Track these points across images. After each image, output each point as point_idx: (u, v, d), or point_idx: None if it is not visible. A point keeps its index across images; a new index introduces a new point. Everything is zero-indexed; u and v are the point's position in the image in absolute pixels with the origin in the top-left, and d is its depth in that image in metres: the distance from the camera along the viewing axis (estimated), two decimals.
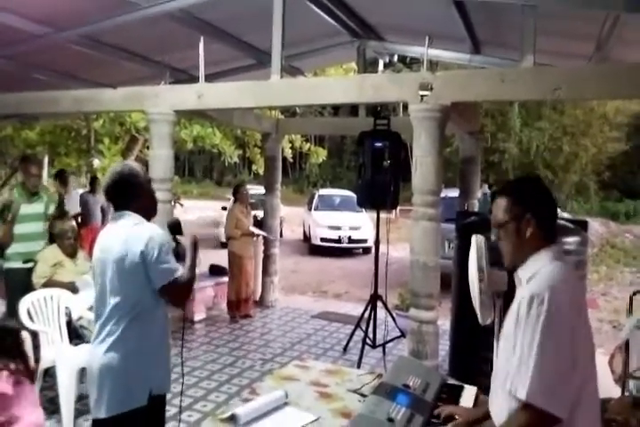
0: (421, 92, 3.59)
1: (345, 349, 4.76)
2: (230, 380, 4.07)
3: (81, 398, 3.37)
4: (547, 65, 4.36)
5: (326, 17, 4.88)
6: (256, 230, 6.11)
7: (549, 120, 18.69)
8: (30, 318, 3.36)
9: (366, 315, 4.56)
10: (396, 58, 6.18)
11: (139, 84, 5.74)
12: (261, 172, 14.66)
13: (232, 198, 6.33)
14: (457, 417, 1.76)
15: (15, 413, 2.42)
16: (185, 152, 22.16)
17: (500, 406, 1.50)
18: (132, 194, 2.07)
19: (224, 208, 12.08)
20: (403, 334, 4.44)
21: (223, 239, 10.57)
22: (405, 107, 4.14)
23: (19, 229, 4.16)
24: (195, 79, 5.32)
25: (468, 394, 2.04)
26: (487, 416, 1.71)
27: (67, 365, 3.19)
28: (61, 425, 3.14)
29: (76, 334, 3.63)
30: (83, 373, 3.49)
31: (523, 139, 18.66)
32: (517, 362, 1.39)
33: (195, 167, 34.55)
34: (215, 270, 6.30)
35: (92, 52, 5.24)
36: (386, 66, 6.43)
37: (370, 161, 4.28)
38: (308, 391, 2.15)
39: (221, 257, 6.40)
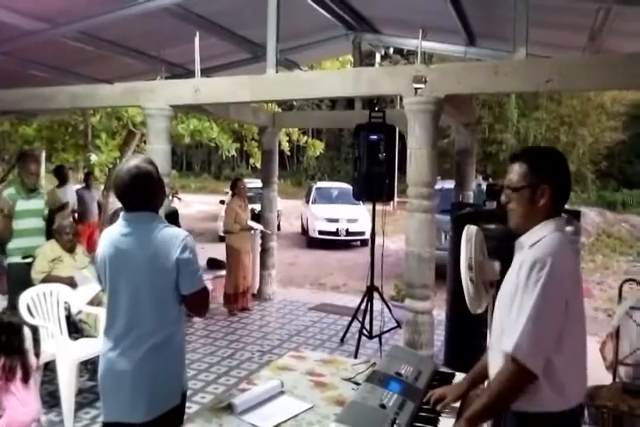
0: (415, 85, 3.61)
1: (342, 340, 4.82)
2: (229, 372, 4.13)
3: (81, 392, 3.43)
4: (541, 56, 4.38)
5: (320, 10, 4.88)
6: (254, 225, 6.15)
7: (546, 110, 18.69)
8: (30, 312, 3.40)
9: (363, 306, 4.61)
10: (392, 50, 6.18)
11: (135, 79, 5.73)
12: (259, 165, 14.68)
13: (230, 193, 6.36)
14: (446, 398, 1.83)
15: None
16: (182, 146, 22.11)
17: (498, 366, 1.56)
18: (149, 194, 1.99)
19: (222, 202, 12.12)
20: (399, 325, 4.50)
21: (221, 233, 10.63)
22: (402, 99, 4.16)
23: (18, 224, 4.19)
24: (190, 73, 5.33)
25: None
26: (471, 388, 1.82)
27: (67, 359, 3.24)
28: (62, 418, 3.20)
29: (75, 329, 3.69)
30: (86, 366, 3.55)
31: (520, 129, 18.67)
32: (512, 322, 1.48)
33: (192, 161, 34.52)
34: (213, 264, 6.34)
35: (88, 48, 5.24)
36: (383, 58, 6.43)
37: (365, 154, 4.32)
38: (304, 381, 2.20)
39: (220, 251, 6.44)
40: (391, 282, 5.63)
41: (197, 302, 2.05)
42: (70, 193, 7.11)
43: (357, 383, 2.10)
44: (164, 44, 5.53)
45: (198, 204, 17.98)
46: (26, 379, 2.56)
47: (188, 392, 3.62)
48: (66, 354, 3.25)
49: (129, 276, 1.93)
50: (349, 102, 17.69)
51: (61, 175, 7.20)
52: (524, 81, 3.48)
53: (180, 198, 10.75)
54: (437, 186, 4.46)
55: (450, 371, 2.25)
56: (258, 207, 6.82)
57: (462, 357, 3.91)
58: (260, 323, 5.51)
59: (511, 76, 3.48)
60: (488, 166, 17.25)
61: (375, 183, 4.27)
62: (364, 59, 6.12)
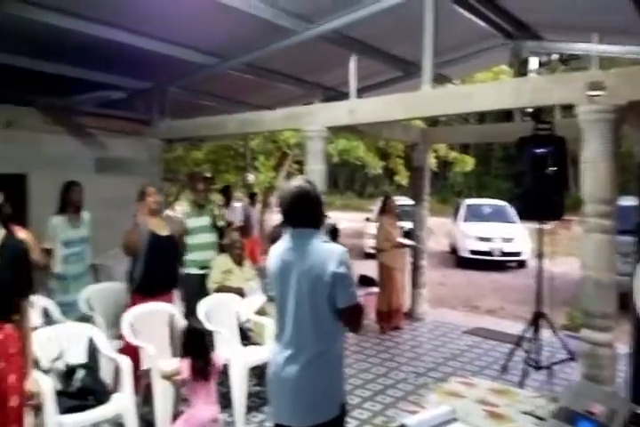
0: (591, 93, 3.29)
1: (504, 368, 4.48)
2: (384, 390, 4.08)
3: (249, 396, 3.62)
4: None
5: (477, 20, 4.74)
6: (405, 241, 6.09)
7: None
8: (207, 319, 3.71)
9: (528, 334, 4.25)
10: (555, 57, 5.74)
11: (292, 104, 6.12)
12: (404, 183, 14.62)
13: (375, 210, 6.37)
14: None
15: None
16: (329, 165, 22.91)
17: None
18: (308, 212, 2.12)
19: (367, 219, 12.24)
20: (572, 357, 4.06)
21: (367, 250, 10.71)
22: (565, 108, 3.82)
23: (192, 239, 4.62)
24: (343, 95, 5.51)
25: None
26: None
27: (240, 363, 3.47)
28: (233, 419, 3.42)
29: (243, 336, 3.95)
30: (253, 372, 3.77)
31: None
32: None
33: (338, 179, 35.57)
34: (364, 281, 6.38)
35: (251, 78, 5.74)
36: (540, 65, 5.99)
37: (530, 169, 4.02)
38: (477, 410, 2.07)
39: (367, 267, 6.46)
40: (558, 308, 5.13)
41: (352, 317, 2.09)
42: (236, 212, 7.67)
43: (540, 418, 1.92)
44: (319, 68, 5.82)
45: (343, 221, 18.38)
46: (208, 379, 2.79)
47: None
48: (239, 359, 3.49)
49: (294, 286, 2.06)
50: (499, 115, 16.83)
51: (227, 195, 7.74)
52: None
53: (328, 216, 11.11)
54: None
55: None
56: (405, 225, 6.72)
57: None
58: (412, 343, 5.38)
59: None
60: None
61: (542, 200, 3.95)
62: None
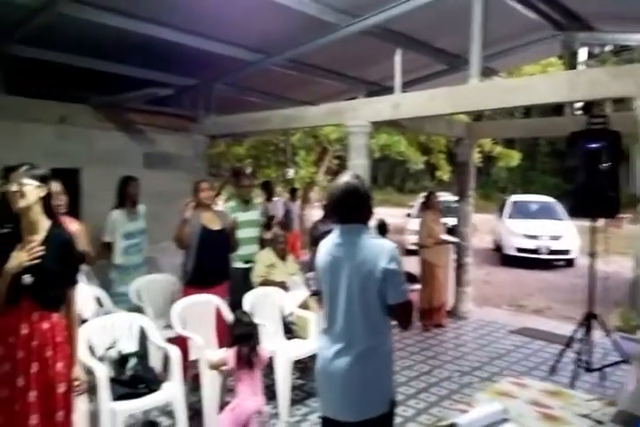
0: None
1: (552, 369, 4.35)
2: (428, 388, 4.04)
3: (292, 389, 3.65)
4: None
5: (526, 11, 4.59)
6: (448, 238, 5.99)
7: None
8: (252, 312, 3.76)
9: (578, 334, 4.11)
10: (608, 48, 5.51)
11: (334, 100, 6.11)
12: (445, 178, 14.38)
13: (416, 206, 6.29)
14: None
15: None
16: (370, 161, 22.78)
17: None
18: (357, 207, 2.10)
19: (408, 215, 12.09)
20: (625, 359, 3.90)
21: (409, 246, 10.59)
22: (616, 102, 3.65)
23: (238, 234, 4.68)
24: (387, 90, 5.46)
25: None
26: None
27: (284, 357, 3.51)
28: (277, 411, 3.46)
29: (286, 329, 3.98)
30: (296, 365, 3.80)
31: None
32: None
33: (378, 174, 35.32)
34: (407, 278, 6.32)
35: (294, 74, 5.77)
36: (589, 57, 5.78)
37: (583, 164, 3.88)
38: (529, 411, 2.02)
39: (408, 264, 6.37)
40: (609, 308, 4.94)
41: (402, 314, 2.08)
42: (278, 207, 7.75)
43: (598, 422, 1.85)
44: (362, 63, 5.78)
45: (382, 216, 18.21)
46: (253, 367, 2.84)
47: None
48: (283, 352, 3.52)
49: (344, 281, 2.05)
50: (548, 109, 16.26)
51: (269, 189, 7.81)
52: None
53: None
54: None
55: None
56: (448, 221, 6.60)
57: None
58: (456, 342, 5.30)
59: None
60: None
61: (596, 197, 3.80)
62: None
